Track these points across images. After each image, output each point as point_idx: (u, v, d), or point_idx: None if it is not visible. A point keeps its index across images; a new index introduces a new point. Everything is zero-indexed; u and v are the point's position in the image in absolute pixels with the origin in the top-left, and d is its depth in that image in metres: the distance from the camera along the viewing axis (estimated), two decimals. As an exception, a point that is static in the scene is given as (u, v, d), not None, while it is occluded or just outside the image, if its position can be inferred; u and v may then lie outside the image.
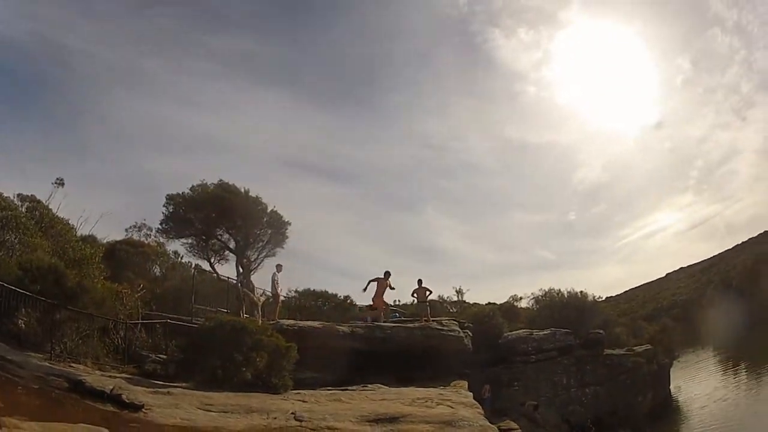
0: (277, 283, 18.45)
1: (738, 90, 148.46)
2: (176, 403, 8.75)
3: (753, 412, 25.24)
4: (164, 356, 13.39)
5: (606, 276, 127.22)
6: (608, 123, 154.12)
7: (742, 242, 69.86)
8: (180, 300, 17.92)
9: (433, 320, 20.86)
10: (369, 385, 13.79)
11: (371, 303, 21.32)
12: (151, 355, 13.26)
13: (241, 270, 18.52)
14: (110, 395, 8.03)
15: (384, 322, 19.54)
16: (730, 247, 70.97)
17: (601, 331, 28.03)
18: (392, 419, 9.28)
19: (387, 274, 19.84)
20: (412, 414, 9.87)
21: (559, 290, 32.11)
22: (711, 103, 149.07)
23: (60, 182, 18.42)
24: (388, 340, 18.56)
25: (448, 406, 11.68)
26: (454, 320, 22.26)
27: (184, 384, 10.93)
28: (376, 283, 19.75)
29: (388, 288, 19.78)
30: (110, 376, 10.10)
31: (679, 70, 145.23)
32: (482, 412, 12.61)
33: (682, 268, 75.69)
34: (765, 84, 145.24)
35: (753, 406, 26.38)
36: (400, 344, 18.49)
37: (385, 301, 20.49)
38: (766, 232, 68.13)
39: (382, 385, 13.86)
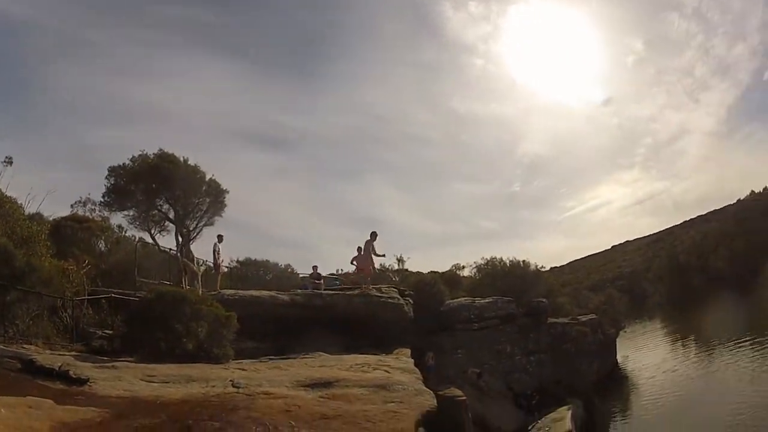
0: (218, 254, 18.95)
1: (692, 73, 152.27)
2: (120, 376, 9.05)
3: (704, 384, 26.02)
4: (110, 332, 13.56)
5: (550, 247, 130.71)
6: (556, 98, 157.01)
7: (691, 219, 72.68)
8: (125, 274, 18.00)
9: (373, 288, 21.12)
10: (310, 353, 14.18)
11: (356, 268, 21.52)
12: (97, 331, 13.40)
13: (180, 240, 18.76)
14: (59, 372, 8.34)
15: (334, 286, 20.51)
16: (678, 223, 73.99)
17: (544, 300, 28.77)
18: (327, 384, 9.69)
19: (373, 234, 19.95)
20: (346, 378, 10.31)
21: (501, 259, 32.59)
22: (663, 83, 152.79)
23: (9, 161, 18.37)
24: (328, 308, 18.91)
25: (385, 371, 12.10)
26: (394, 288, 22.62)
27: (129, 358, 11.18)
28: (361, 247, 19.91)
29: (373, 250, 19.84)
30: (60, 355, 10.36)
31: (632, 50, 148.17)
32: (420, 377, 12.94)
33: (628, 241, 78.78)
34: (721, 69, 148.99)
35: (704, 378, 27.15)
36: (340, 312, 18.81)
37: (371, 265, 20.58)
38: (714, 210, 70.14)
39: (324, 353, 14.30)
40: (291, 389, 9.08)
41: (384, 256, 21.00)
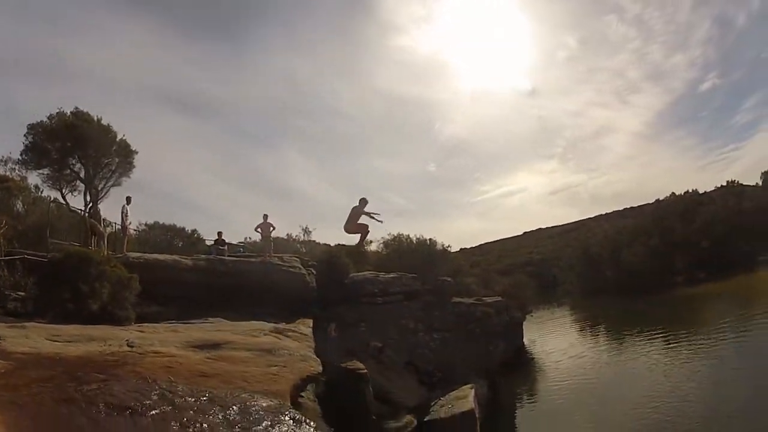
0: (126, 216, 18.94)
1: (624, 75, 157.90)
2: (27, 335, 9.52)
3: (614, 373, 26.38)
4: (23, 294, 13.81)
5: (463, 228, 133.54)
6: (482, 83, 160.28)
7: (606, 213, 75.83)
8: (40, 236, 18.05)
9: (275, 256, 22.07)
10: (210, 319, 14.57)
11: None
12: (12, 293, 13.64)
13: (89, 199, 19.20)
14: (-27, 332, 8.73)
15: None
16: (593, 215, 76.93)
17: (449, 279, 29.06)
18: (215, 346, 10.31)
19: (363, 201, 18.88)
20: (235, 341, 10.89)
21: (408, 236, 33.07)
22: (592, 81, 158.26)
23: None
24: (229, 274, 19.40)
25: (276, 337, 12.66)
26: (296, 257, 23.47)
27: (40, 320, 11.57)
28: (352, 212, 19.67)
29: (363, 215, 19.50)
30: (-23, 317, 10.52)
31: (565, 46, 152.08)
32: (312, 345, 13.44)
33: (541, 228, 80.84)
34: (655, 75, 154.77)
35: (613, 366, 27.55)
36: (242, 279, 19.31)
37: (360, 225, 20.27)
38: (632, 207, 72.89)
39: (223, 320, 14.67)
40: (180, 349, 9.72)
41: (379, 220, 20.25)
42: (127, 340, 9.93)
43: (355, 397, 17.31)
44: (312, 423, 7.74)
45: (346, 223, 18.85)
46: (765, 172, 65.42)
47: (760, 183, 65.26)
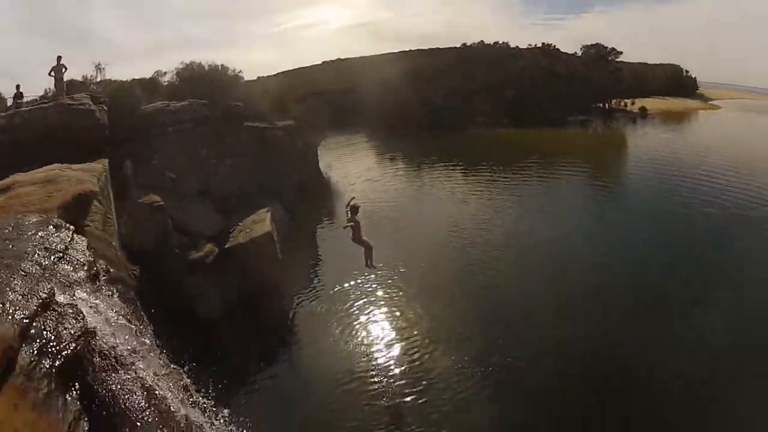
0: None
1: None
2: None
3: (411, 197, 29.28)
4: None
5: (260, 59, 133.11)
6: None
7: (410, 50, 74.06)
8: None
9: (68, 98, 21.15)
10: (13, 175, 13.87)
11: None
12: None
13: None
14: None
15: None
16: (396, 51, 74.58)
17: (240, 104, 29.01)
18: (6, 189, 11.43)
19: (354, 209, 19.69)
20: (23, 180, 11.95)
21: (200, 63, 32.78)
22: None
23: None
24: (27, 124, 18.85)
25: (60, 170, 13.15)
26: (86, 95, 22.11)
27: None
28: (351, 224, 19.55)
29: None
30: None
31: None
32: (97, 175, 13.76)
33: (340, 59, 78.80)
34: None
35: (411, 191, 30.80)
36: (37, 126, 18.77)
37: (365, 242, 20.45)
38: (437, 48, 73.87)
39: (22, 173, 13.87)
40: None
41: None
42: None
43: (155, 232, 17.94)
44: (71, 227, 9.30)
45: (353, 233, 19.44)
46: (586, 45, 70.71)
47: (579, 54, 70.74)
